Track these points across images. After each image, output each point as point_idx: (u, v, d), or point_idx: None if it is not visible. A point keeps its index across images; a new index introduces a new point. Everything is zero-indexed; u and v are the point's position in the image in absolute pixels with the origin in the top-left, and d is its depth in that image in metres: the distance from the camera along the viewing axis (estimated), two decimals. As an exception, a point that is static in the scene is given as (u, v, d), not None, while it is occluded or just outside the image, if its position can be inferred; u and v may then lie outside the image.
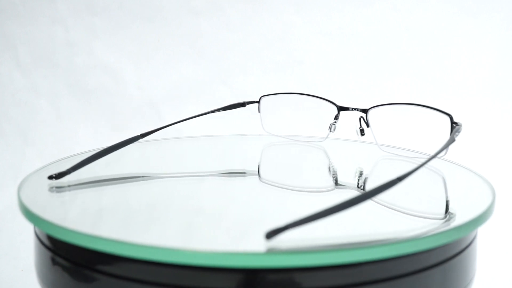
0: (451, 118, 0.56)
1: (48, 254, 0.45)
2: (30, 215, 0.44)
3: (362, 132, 0.61)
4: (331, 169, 0.60)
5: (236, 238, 0.44)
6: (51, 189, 0.52)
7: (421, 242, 0.41)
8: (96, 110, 1.13)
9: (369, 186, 0.52)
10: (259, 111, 0.68)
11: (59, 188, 0.53)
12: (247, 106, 0.70)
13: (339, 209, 0.41)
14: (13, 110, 1.16)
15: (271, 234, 0.40)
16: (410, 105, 0.59)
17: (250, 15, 1.08)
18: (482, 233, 0.54)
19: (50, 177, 0.53)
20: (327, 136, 0.63)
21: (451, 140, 0.53)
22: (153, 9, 1.11)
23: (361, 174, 0.58)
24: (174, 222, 0.46)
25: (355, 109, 0.62)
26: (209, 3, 1.09)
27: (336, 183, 0.55)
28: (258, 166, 0.62)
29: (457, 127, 0.54)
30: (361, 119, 0.61)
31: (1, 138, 1.15)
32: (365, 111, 0.61)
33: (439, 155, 0.51)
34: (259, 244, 0.42)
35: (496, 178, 0.64)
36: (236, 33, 1.08)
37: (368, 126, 0.60)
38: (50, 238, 0.45)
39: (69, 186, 0.54)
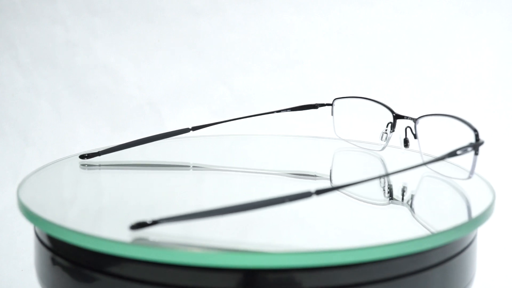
0: (476, 135, 0.51)
1: (48, 254, 0.45)
2: (30, 215, 0.44)
3: (406, 143, 0.57)
4: (384, 182, 0.56)
5: (237, 238, 0.44)
6: (82, 166, 0.55)
7: (421, 242, 0.41)
8: (96, 110, 1.13)
9: (416, 205, 0.50)
10: (332, 114, 0.64)
11: (90, 166, 0.56)
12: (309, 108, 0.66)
13: (217, 214, 0.41)
14: (13, 110, 1.16)
15: (135, 226, 0.40)
16: (453, 118, 0.54)
17: (250, 15, 1.08)
18: (482, 233, 0.54)
19: (82, 156, 0.56)
20: (384, 147, 0.60)
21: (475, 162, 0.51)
22: (153, 9, 1.11)
23: (403, 190, 0.54)
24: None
25: (408, 118, 0.57)
26: (209, 3, 1.09)
27: (391, 198, 0.52)
28: (330, 171, 0.59)
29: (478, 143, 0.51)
30: (408, 129, 0.57)
31: (1, 138, 1.15)
32: (414, 120, 0.56)
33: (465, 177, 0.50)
34: (259, 244, 0.42)
35: (496, 178, 0.64)
36: (236, 33, 1.08)
37: (415, 137, 0.56)
38: (50, 238, 0.45)
39: (99, 165, 0.57)
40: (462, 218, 0.44)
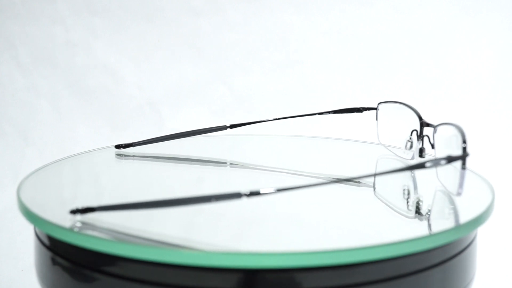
0: (464, 148, 0.46)
1: (48, 254, 0.45)
2: (30, 215, 0.44)
3: (421, 153, 0.53)
4: (408, 194, 0.53)
5: (236, 238, 0.44)
6: (117, 156, 0.58)
7: (421, 242, 0.41)
8: (96, 110, 1.13)
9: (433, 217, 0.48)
10: (376, 119, 0.61)
11: (126, 156, 0.58)
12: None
13: (154, 206, 0.42)
14: (13, 110, 1.16)
15: (75, 211, 0.43)
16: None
17: (250, 15, 1.08)
18: (482, 233, 0.54)
19: (118, 146, 0.59)
20: (413, 156, 0.55)
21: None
22: (153, 9, 1.11)
23: (416, 200, 0.51)
24: (178, 219, 0.46)
25: (431, 125, 0.52)
26: (209, 3, 1.09)
27: (418, 212, 0.48)
28: (374, 179, 0.55)
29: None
30: (426, 138, 0.53)
31: (1, 138, 1.15)
32: (434, 127, 0.52)
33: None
34: (259, 244, 0.42)
35: (496, 178, 0.64)
36: (236, 33, 1.08)
37: (433, 147, 0.51)
38: (50, 238, 0.45)
39: (133, 156, 0.59)
40: (462, 218, 0.44)
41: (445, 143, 0.50)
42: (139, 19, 1.11)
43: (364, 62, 1.04)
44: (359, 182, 0.53)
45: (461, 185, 0.46)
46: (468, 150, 0.46)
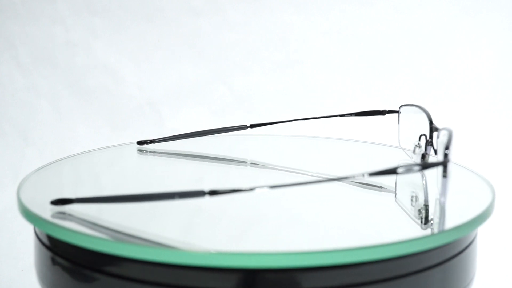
0: (446, 155, 0.44)
1: (48, 254, 0.45)
2: (30, 215, 0.44)
3: (423, 158, 0.51)
4: (416, 201, 0.51)
5: (236, 238, 0.44)
6: (139, 152, 0.60)
7: (421, 242, 0.41)
8: (96, 110, 1.13)
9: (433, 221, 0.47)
10: (398, 123, 0.59)
11: (145, 152, 0.60)
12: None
13: (121, 200, 0.44)
14: (13, 110, 1.16)
15: (56, 202, 0.45)
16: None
17: (250, 15, 1.08)
18: (482, 233, 0.54)
19: (141, 142, 0.60)
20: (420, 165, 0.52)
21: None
22: (153, 9, 1.11)
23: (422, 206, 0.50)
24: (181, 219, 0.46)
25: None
26: (209, 3, 1.09)
27: (425, 222, 0.46)
28: (395, 183, 0.53)
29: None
30: (429, 144, 0.51)
31: (1, 138, 1.15)
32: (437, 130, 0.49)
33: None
34: (259, 244, 0.42)
35: (496, 178, 0.64)
36: (236, 33, 1.08)
37: (436, 153, 0.49)
38: (50, 238, 0.45)
39: (154, 152, 0.60)
40: (462, 218, 0.44)
41: (443, 148, 0.47)
42: (139, 19, 1.11)
43: (364, 62, 1.04)
44: (379, 188, 0.52)
45: (443, 193, 0.44)
46: (451, 156, 0.43)
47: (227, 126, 0.63)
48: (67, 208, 0.45)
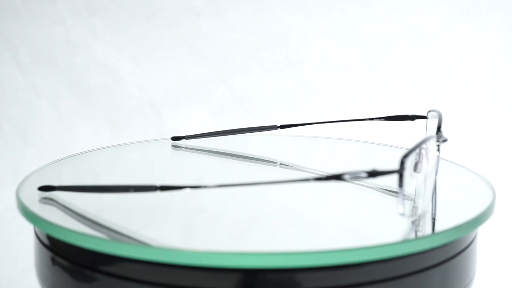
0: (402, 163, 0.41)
1: (48, 254, 0.45)
2: (29, 215, 0.44)
3: (416, 167, 0.47)
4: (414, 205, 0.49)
5: (236, 238, 0.44)
6: (173, 147, 0.62)
7: (421, 242, 0.41)
8: (96, 110, 1.13)
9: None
10: (426, 129, 0.57)
11: (178, 148, 0.62)
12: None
13: (108, 190, 0.47)
14: (13, 110, 1.16)
15: (43, 188, 0.48)
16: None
17: (250, 15, 1.07)
18: (482, 233, 0.54)
19: (174, 138, 0.62)
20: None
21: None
22: (153, 9, 1.11)
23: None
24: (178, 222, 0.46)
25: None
26: (209, 3, 1.09)
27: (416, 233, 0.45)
28: (415, 190, 0.51)
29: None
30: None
31: (1, 138, 1.15)
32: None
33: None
34: (259, 244, 0.42)
35: (496, 178, 0.64)
36: (236, 33, 1.08)
37: (428, 161, 0.46)
38: (50, 238, 0.45)
39: (186, 148, 0.62)
40: (462, 218, 0.44)
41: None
42: (139, 19, 1.11)
43: (364, 62, 1.04)
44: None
45: (400, 202, 0.41)
46: (408, 165, 0.41)
47: (257, 126, 0.64)
48: (67, 202, 0.45)
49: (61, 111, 1.14)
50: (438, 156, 0.47)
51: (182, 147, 0.64)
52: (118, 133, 1.12)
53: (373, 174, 0.40)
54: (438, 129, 0.49)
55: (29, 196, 0.48)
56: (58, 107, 1.14)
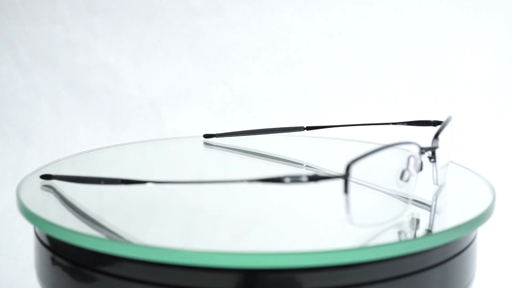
0: (345, 174, 0.41)
1: (48, 254, 0.45)
2: (29, 215, 0.44)
3: (402, 174, 0.46)
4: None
5: (236, 238, 0.44)
6: (205, 144, 0.64)
7: (421, 242, 0.41)
8: (96, 110, 1.13)
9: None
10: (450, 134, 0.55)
11: (208, 145, 0.64)
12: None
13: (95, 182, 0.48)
14: (13, 110, 1.16)
15: (44, 177, 0.51)
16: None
17: (250, 15, 1.07)
18: (482, 233, 0.54)
19: (206, 136, 0.64)
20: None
21: None
22: (153, 9, 1.11)
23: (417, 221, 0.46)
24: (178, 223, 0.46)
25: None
26: (209, 3, 1.09)
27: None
28: (433, 199, 0.50)
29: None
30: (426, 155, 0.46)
31: (1, 138, 1.15)
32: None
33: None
34: (259, 244, 0.42)
35: (496, 178, 0.64)
36: (236, 33, 1.08)
37: (421, 168, 0.45)
38: (50, 238, 0.45)
39: (217, 146, 0.63)
40: (462, 218, 0.44)
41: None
42: (139, 19, 1.11)
43: (364, 62, 1.04)
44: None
45: (347, 210, 0.41)
46: (352, 171, 0.39)
47: (284, 127, 0.65)
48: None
49: (61, 111, 1.14)
50: (422, 163, 0.45)
51: (213, 145, 0.65)
52: (118, 133, 1.12)
53: (314, 178, 0.39)
54: (436, 136, 0.48)
55: (29, 196, 0.48)
56: (58, 107, 1.14)
